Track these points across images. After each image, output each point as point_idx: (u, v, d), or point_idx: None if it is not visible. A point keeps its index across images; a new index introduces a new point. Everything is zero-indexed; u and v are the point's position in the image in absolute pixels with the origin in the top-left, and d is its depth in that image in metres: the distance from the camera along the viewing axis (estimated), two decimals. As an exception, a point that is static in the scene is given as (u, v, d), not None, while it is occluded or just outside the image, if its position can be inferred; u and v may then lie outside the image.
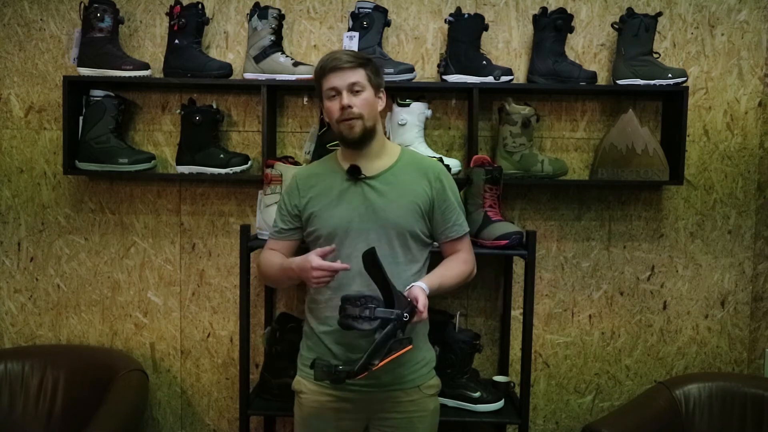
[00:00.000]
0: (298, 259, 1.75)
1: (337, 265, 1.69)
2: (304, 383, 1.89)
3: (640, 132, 2.47)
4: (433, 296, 1.75)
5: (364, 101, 1.78)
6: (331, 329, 1.81)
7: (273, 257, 1.89)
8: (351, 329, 1.63)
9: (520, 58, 2.60)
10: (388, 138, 2.47)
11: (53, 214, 2.67)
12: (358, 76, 1.78)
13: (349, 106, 1.76)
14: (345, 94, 1.77)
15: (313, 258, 1.69)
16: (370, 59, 1.83)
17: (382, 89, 1.87)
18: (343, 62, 1.76)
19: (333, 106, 1.79)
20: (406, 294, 1.68)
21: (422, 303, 1.65)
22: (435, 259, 1.94)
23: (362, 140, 1.80)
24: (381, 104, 1.85)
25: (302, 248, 1.93)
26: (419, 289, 1.69)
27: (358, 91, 1.77)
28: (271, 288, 2.63)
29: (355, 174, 1.82)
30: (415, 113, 2.42)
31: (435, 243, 1.95)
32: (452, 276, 1.85)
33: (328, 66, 1.78)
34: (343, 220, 1.80)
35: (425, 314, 1.66)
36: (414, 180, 1.85)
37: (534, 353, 2.65)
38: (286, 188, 1.95)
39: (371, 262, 1.64)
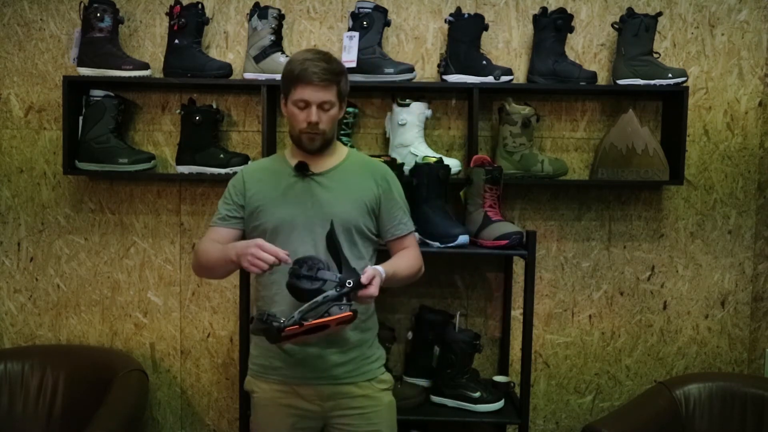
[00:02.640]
0: (241, 242, 1.73)
1: (282, 252, 1.64)
2: (254, 382, 1.90)
3: (640, 132, 2.47)
4: (386, 287, 1.74)
5: (331, 118, 1.80)
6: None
7: (212, 245, 1.84)
8: (295, 289, 1.62)
9: (520, 58, 2.60)
10: (388, 138, 2.49)
11: (53, 214, 2.67)
12: (331, 94, 1.78)
13: (317, 123, 1.77)
14: (314, 109, 1.76)
15: (260, 240, 1.67)
16: (342, 71, 1.81)
17: (347, 96, 1.88)
18: (319, 78, 1.74)
19: (299, 116, 1.79)
20: (362, 272, 1.67)
21: (368, 276, 1.63)
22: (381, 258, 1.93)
23: (319, 150, 1.84)
24: (342, 113, 1.87)
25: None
26: (374, 269, 1.68)
27: (327, 109, 1.78)
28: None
29: (302, 170, 1.84)
30: (415, 113, 2.42)
31: (380, 241, 1.95)
32: (405, 267, 1.85)
33: (302, 78, 1.75)
34: (288, 214, 1.80)
35: (373, 289, 1.63)
36: (360, 178, 1.87)
37: (534, 353, 2.65)
38: (232, 180, 1.93)
39: (329, 236, 1.69)
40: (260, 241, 1.67)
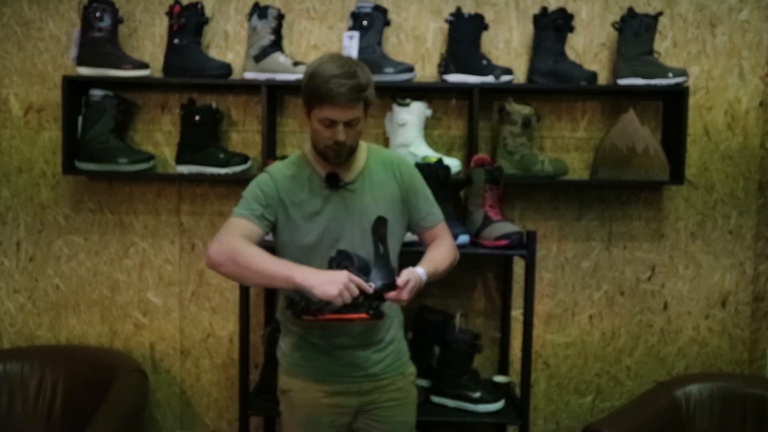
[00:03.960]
0: (318, 271, 1.64)
1: (365, 285, 1.63)
2: (293, 381, 1.88)
3: (640, 132, 2.46)
4: (428, 282, 1.76)
5: (357, 132, 1.75)
6: (313, 324, 1.80)
7: (259, 251, 1.70)
8: None
9: (520, 58, 2.59)
10: (388, 138, 2.48)
11: (52, 214, 2.66)
12: (358, 111, 1.70)
13: (344, 141, 1.72)
14: (341, 128, 1.70)
15: (347, 273, 1.62)
16: (368, 82, 1.71)
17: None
18: (346, 99, 1.66)
19: (324, 133, 1.71)
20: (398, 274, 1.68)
21: (402, 280, 1.65)
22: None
23: (345, 161, 1.80)
24: (367, 118, 1.80)
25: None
26: (410, 272, 1.68)
27: (354, 125, 1.72)
28: (272, 288, 2.62)
29: (334, 183, 1.80)
30: (415, 113, 2.42)
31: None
32: (443, 261, 1.83)
33: (326, 98, 1.66)
34: (328, 229, 1.77)
35: (405, 295, 1.64)
36: (385, 178, 1.84)
37: (534, 353, 2.64)
38: (261, 183, 1.81)
39: (378, 229, 1.69)
40: (349, 274, 1.62)
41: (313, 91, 1.68)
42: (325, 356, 1.83)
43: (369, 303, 1.64)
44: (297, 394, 1.87)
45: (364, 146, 1.88)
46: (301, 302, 1.68)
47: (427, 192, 1.91)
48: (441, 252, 1.86)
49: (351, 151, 1.78)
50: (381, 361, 1.85)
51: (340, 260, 1.67)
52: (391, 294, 1.64)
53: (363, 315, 1.64)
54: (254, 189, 1.81)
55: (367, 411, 1.87)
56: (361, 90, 1.68)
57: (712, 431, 2.35)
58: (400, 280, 1.65)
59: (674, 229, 2.65)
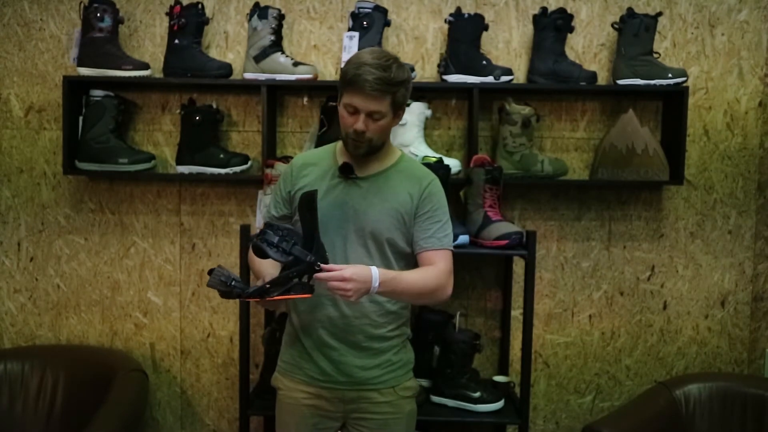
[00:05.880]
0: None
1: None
2: (280, 379, 1.91)
3: (640, 132, 2.47)
4: (389, 296, 1.73)
5: (380, 128, 1.73)
6: (308, 327, 1.83)
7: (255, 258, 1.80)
8: (263, 254, 1.63)
9: (520, 58, 2.60)
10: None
11: (53, 214, 2.67)
12: (383, 105, 1.69)
13: (363, 132, 1.71)
14: (362, 117, 1.70)
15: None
16: (401, 81, 1.70)
17: (405, 105, 1.78)
18: (371, 88, 1.65)
19: (347, 120, 1.72)
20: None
21: (335, 268, 1.60)
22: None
23: (365, 155, 1.78)
24: (398, 121, 1.79)
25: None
26: (360, 267, 1.64)
27: (377, 119, 1.71)
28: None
29: (345, 173, 1.79)
30: (415, 113, 2.42)
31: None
32: (415, 281, 1.74)
33: (353, 83, 1.67)
34: (323, 217, 1.70)
35: (334, 283, 1.59)
36: (402, 186, 1.80)
37: (534, 353, 2.64)
38: (282, 173, 1.93)
39: (308, 204, 1.63)
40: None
41: (343, 74, 1.72)
42: (310, 357, 1.83)
43: (308, 280, 1.62)
44: (283, 392, 1.89)
45: (397, 153, 1.87)
46: (236, 288, 1.62)
47: (442, 217, 1.82)
48: (417, 271, 1.78)
49: (371, 146, 1.76)
50: (368, 369, 1.82)
51: (286, 236, 1.62)
52: (321, 276, 1.60)
53: (308, 295, 1.62)
54: (275, 187, 1.93)
55: (354, 419, 1.85)
56: (389, 83, 1.67)
57: (711, 431, 2.36)
58: (331, 269, 1.60)
59: (674, 229, 2.65)
